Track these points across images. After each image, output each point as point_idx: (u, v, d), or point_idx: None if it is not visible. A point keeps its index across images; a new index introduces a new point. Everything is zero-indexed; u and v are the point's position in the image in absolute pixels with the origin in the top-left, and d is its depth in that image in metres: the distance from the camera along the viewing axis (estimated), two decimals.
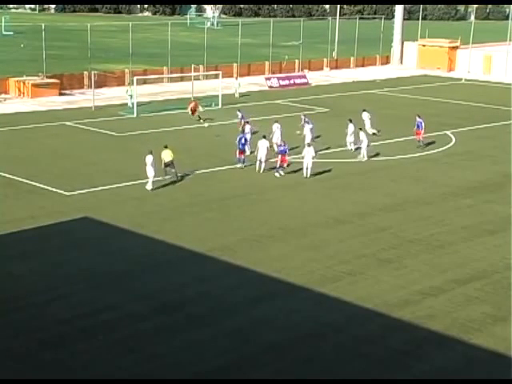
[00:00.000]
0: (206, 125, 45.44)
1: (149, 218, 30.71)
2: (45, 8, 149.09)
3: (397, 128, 48.93)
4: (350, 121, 43.06)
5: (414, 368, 19.92)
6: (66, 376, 18.94)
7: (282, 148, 37.93)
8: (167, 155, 35.20)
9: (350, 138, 42.85)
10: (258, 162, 37.78)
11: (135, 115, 51.59)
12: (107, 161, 39.65)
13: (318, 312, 22.97)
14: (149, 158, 34.10)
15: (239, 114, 47.70)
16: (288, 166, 37.98)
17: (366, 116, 46.36)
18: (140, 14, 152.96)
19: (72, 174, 36.89)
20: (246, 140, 39.00)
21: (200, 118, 48.87)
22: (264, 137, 38.55)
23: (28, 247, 27.35)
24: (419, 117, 43.67)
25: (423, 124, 43.19)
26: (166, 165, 35.23)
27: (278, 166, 37.60)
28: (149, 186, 34.09)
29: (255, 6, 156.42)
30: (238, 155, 38.74)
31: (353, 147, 42.68)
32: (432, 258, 27.53)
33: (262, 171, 37.65)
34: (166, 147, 35.61)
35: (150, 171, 34.09)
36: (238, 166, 38.52)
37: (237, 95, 60.85)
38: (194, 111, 49.45)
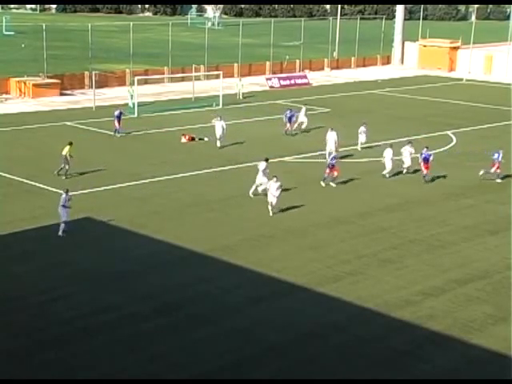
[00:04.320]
0: (206, 139, 44.77)
1: (150, 218, 30.71)
2: (46, 8, 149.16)
3: (398, 128, 48.90)
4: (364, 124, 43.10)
5: (415, 368, 19.93)
6: (67, 376, 18.94)
7: (425, 155, 36.69)
8: (64, 150, 35.88)
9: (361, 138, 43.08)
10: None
11: (136, 115, 51.58)
12: (108, 161, 39.64)
13: (319, 312, 22.97)
14: (62, 198, 28.48)
15: (288, 113, 46.87)
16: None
17: (362, 130, 43.10)
18: (141, 14, 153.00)
19: (73, 174, 36.85)
20: (336, 156, 36.57)
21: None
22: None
23: (29, 247, 27.35)
24: (427, 148, 37.37)
25: (431, 158, 37.14)
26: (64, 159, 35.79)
27: (424, 174, 36.93)
28: (60, 232, 28.21)
29: (256, 6, 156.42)
30: (327, 172, 35.82)
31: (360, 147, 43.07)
32: (433, 258, 27.53)
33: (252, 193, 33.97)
34: (69, 144, 36.16)
35: (64, 213, 28.30)
36: (332, 184, 35.85)
37: (240, 96, 60.45)
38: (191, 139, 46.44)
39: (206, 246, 27.63)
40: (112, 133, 45.45)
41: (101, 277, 24.94)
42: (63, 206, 28.18)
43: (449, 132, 49.15)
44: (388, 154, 37.67)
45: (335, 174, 35.71)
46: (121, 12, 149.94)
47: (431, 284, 25.07)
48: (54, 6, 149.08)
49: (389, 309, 23.12)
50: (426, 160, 36.58)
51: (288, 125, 46.67)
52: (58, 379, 18.74)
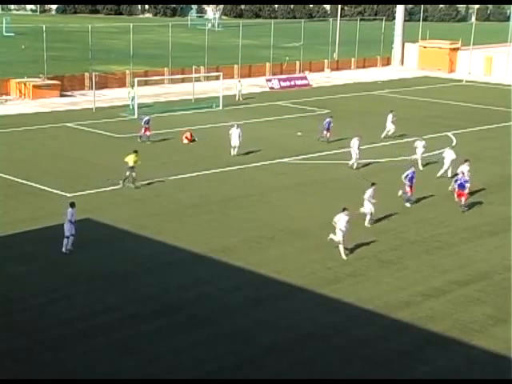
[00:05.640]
0: (196, 139, 44.45)
1: (150, 220, 30.70)
2: (46, 9, 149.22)
3: (398, 129, 48.85)
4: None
5: (415, 369, 19.92)
6: (67, 377, 18.94)
7: (461, 181, 32.74)
8: (130, 159, 34.40)
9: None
10: None
11: (136, 116, 51.57)
12: (108, 162, 39.64)
13: (319, 313, 22.97)
14: (69, 213, 26.94)
15: (327, 121, 44.93)
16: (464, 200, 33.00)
17: (419, 144, 40.18)
18: (141, 16, 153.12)
19: (73, 175, 36.90)
20: (413, 174, 33.21)
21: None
22: None
23: (29, 248, 27.35)
24: (463, 174, 33.39)
25: (468, 184, 33.08)
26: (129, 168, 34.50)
27: (460, 203, 32.90)
28: (64, 248, 26.78)
29: (256, 8, 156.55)
30: (408, 191, 33.23)
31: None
32: (433, 259, 27.53)
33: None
34: (134, 152, 34.73)
35: (68, 229, 26.75)
36: (408, 205, 33.37)
37: (240, 98, 60.35)
38: (190, 139, 45.16)
39: (206, 248, 27.63)
40: (138, 139, 43.99)
41: (101, 278, 24.93)
42: (70, 221, 26.64)
43: (449, 133, 49.13)
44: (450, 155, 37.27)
45: (408, 192, 33.28)
46: (121, 13, 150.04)
47: (431, 285, 25.07)
48: (54, 7, 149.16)
49: (389, 310, 23.12)
50: (461, 186, 32.71)
51: (325, 132, 44.78)
52: (58, 379, 18.74)
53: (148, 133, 43.96)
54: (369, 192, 30.23)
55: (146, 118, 44.46)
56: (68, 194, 33.61)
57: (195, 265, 26.43)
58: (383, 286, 24.97)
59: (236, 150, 41.08)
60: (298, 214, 32.15)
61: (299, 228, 30.27)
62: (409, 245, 28.79)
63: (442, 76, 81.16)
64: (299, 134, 47.11)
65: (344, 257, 26.90)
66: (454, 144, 38.60)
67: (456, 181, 33.19)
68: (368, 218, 30.43)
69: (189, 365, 19.77)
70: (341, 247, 27.01)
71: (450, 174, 36.88)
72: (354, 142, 39.16)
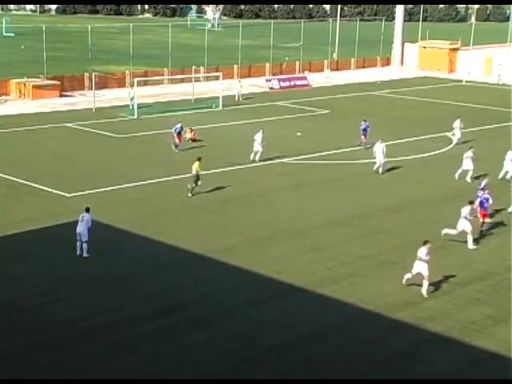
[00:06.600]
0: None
1: (149, 220, 30.70)
2: (45, 9, 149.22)
3: (397, 129, 48.93)
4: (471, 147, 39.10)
5: (415, 369, 19.92)
6: (67, 377, 18.93)
7: (481, 199, 30.14)
8: (194, 167, 33.56)
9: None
10: None
11: (136, 117, 51.61)
12: (108, 162, 39.67)
13: (319, 313, 22.97)
14: (85, 217, 26.66)
15: (363, 124, 43.90)
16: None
17: (469, 155, 38.34)
18: (140, 16, 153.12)
19: (73, 175, 36.90)
20: (486, 200, 30.05)
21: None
22: None
23: (29, 249, 27.35)
24: (483, 190, 31.26)
25: (490, 201, 30.37)
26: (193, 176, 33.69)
27: (481, 222, 30.14)
28: (86, 253, 26.57)
29: (256, 8, 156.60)
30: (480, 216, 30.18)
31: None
32: (433, 259, 27.33)
33: None
34: (198, 159, 33.92)
35: (84, 234, 26.45)
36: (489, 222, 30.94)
37: (240, 98, 60.36)
38: (193, 138, 44.88)
39: (205, 248, 27.63)
40: (173, 147, 42.19)
41: (101, 278, 24.93)
42: (86, 227, 26.32)
43: (448, 133, 49.11)
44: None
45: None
46: (120, 13, 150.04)
47: (431, 285, 25.04)
48: (54, 7, 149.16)
49: (388, 310, 23.13)
50: (482, 204, 30.05)
51: (362, 137, 43.55)
52: (58, 379, 18.74)
53: (177, 141, 42.31)
54: (466, 210, 28.40)
55: (178, 125, 42.44)
56: (68, 194, 33.65)
57: (195, 265, 26.43)
58: (383, 286, 24.97)
59: (258, 155, 39.98)
60: (298, 214, 32.16)
61: (299, 228, 30.28)
62: (409, 245, 28.73)
63: (442, 76, 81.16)
64: (299, 134, 47.11)
65: (425, 294, 24.31)
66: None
67: (476, 197, 30.37)
68: (470, 238, 28.68)
69: (189, 365, 19.77)
70: (425, 283, 24.46)
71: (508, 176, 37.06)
72: (378, 146, 38.42)
